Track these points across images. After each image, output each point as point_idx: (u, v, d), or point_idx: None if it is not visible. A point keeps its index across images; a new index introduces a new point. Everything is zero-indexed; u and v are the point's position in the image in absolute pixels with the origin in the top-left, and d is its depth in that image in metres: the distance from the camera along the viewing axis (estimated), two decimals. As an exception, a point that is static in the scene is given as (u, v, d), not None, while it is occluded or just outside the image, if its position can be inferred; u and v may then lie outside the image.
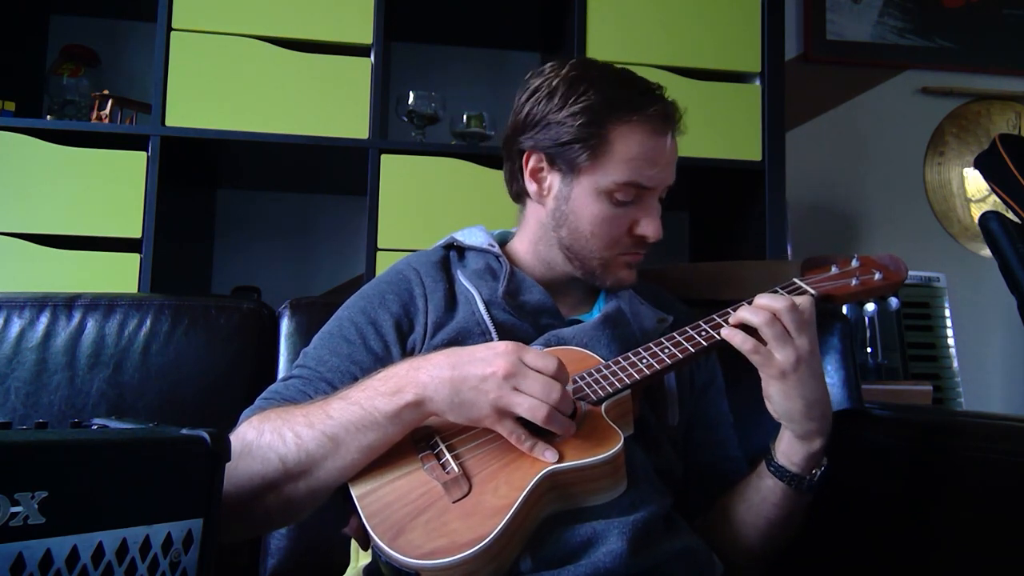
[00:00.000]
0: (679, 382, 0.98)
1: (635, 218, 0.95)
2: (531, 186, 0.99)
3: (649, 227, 0.94)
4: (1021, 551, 0.82)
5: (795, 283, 0.92)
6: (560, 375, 0.74)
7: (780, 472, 0.87)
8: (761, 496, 0.89)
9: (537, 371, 0.73)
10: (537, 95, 0.96)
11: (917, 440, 1.01)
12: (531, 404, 0.72)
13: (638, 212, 0.94)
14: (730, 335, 0.82)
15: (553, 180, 0.97)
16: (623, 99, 0.92)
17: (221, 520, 0.76)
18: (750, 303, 0.85)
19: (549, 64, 0.99)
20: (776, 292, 0.89)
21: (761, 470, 0.89)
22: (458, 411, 0.74)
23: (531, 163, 0.98)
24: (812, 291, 0.90)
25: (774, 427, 0.89)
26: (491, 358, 0.73)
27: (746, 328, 0.82)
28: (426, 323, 0.94)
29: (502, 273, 0.97)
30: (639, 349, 0.85)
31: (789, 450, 0.86)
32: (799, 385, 0.80)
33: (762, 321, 0.80)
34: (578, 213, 0.95)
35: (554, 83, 0.95)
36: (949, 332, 2.17)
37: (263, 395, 0.90)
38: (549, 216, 0.98)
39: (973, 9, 2.58)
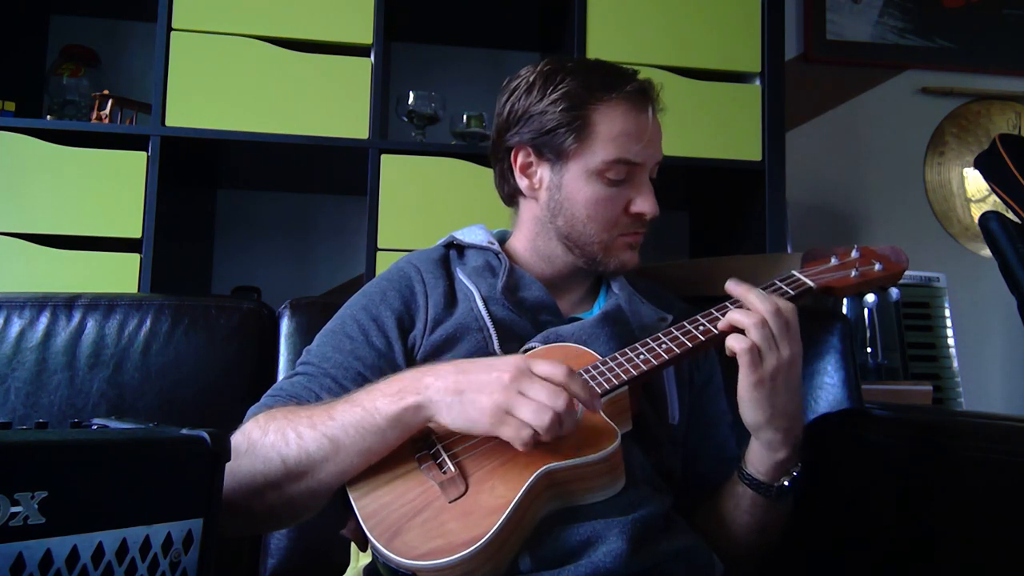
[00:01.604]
0: (678, 380, 0.98)
1: (629, 196, 0.95)
2: (522, 182, 1.00)
3: (645, 204, 0.95)
4: (1021, 551, 0.82)
5: (794, 275, 0.91)
6: (570, 384, 0.72)
7: (748, 479, 0.87)
8: (735, 502, 0.90)
9: (545, 377, 0.72)
10: (516, 92, 0.98)
11: (917, 440, 1.01)
12: (535, 408, 0.70)
13: (631, 190, 0.95)
14: (726, 329, 0.82)
15: (543, 171, 0.98)
16: (599, 80, 0.94)
17: (225, 516, 0.77)
18: (734, 303, 0.84)
19: (524, 67, 1.01)
20: (772, 286, 0.89)
21: (735, 476, 0.90)
22: (458, 411, 0.73)
23: (519, 159, 0.99)
24: (811, 283, 0.89)
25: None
26: (498, 364, 0.73)
27: (735, 330, 0.81)
28: (426, 319, 0.94)
29: (501, 270, 0.98)
30: (636, 345, 0.85)
31: (755, 457, 0.87)
32: (771, 394, 0.80)
33: (752, 323, 0.79)
34: (572, 199, 0.95)
35: (531, 78, 0.97)
36: (949, 332, 2.17)
37: (269, 392, 0.91)
38: (543, 208, 0.99)
39: (973, 9, 2.58)
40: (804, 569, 1.07)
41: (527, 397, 0.71)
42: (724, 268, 1.41)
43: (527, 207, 1.02)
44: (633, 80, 0.95)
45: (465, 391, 0.73)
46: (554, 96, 0.94)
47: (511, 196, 1.04)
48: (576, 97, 0.93)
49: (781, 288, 0.89)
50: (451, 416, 0.74)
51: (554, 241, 1.00)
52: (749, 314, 0.80)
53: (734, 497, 0.90)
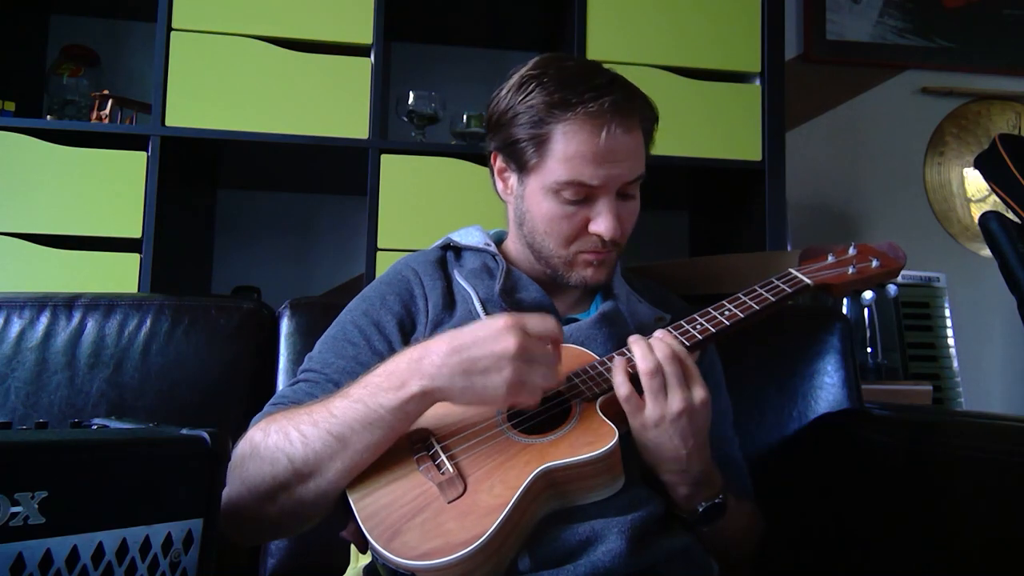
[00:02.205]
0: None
1: (588, 216, 0.93)
2: (499, 185, 1.02)
3: (602, 225, 0.92)
4: (1021, 551, 0.82)
5: (791, 273, 0.91)
6: (561, 335, 0.78)
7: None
8: None
9: (541, 336, 0.75)
10: (498, 97, 0.97)
11: (917, 440, 1.02)
12: (545, 373, 0.74)
13: (589, 210, 0.93)
14: (613, 373, 0.80)
15: (512, 179, 0.99)
16: (564, 97, 0.90)
17: (239, 523, 0.77)
18: (734, 303, 0.85)
19: (515, 67, 0.99)
20: (768, 284, 0.89)
21: None
22: (470, 394, 0.74)
23: (497, 163, 1.01)
24: (808, 280, 0.89)
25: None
26: (497, 335, 0.73)
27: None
28: (427, 321, 0.95)
29: (499, 272, 0.98)
30: None
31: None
32: (655, 439, 0.79)
33: (645, 370, 0.78)
34: (531, 211, 0.96)
35: (511, 83, 0.96)
36: (949, 332, 2.17)
37: (271, 400, 0.91)
38: (513, 214, 1.00)
39: (973, 9, 2.58)
40: (804, 569, 1.07)
41: (537, 363, 0.73)
42: (723, 267, 1.41)
43: (508, 208, 1.03)
44: (598, 97, 0.88)
45: (472, 371, 0.73)
46: (519, 109, 0.92)
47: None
48: (538, 112, 0.91)
49: (778, 286, 0.89)
50: (464, 398, 0.75)
51: (525, 246, 1.00)
52: (647, 358, 0.79)
53: None
